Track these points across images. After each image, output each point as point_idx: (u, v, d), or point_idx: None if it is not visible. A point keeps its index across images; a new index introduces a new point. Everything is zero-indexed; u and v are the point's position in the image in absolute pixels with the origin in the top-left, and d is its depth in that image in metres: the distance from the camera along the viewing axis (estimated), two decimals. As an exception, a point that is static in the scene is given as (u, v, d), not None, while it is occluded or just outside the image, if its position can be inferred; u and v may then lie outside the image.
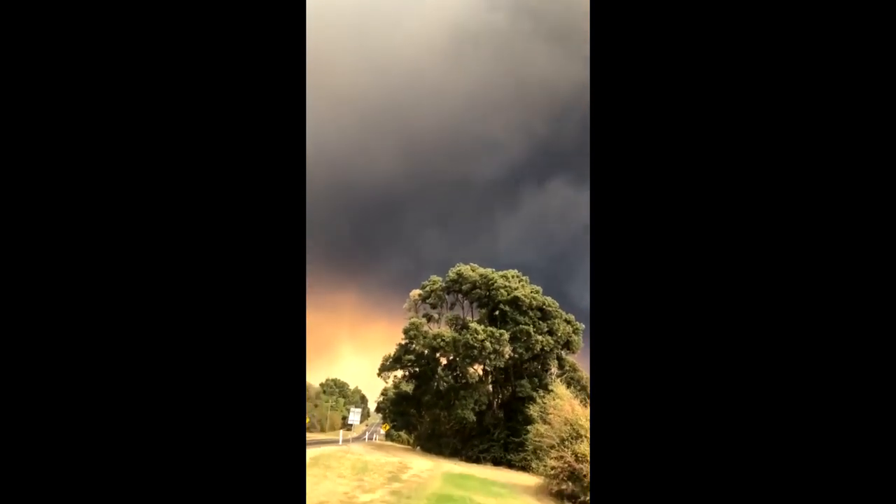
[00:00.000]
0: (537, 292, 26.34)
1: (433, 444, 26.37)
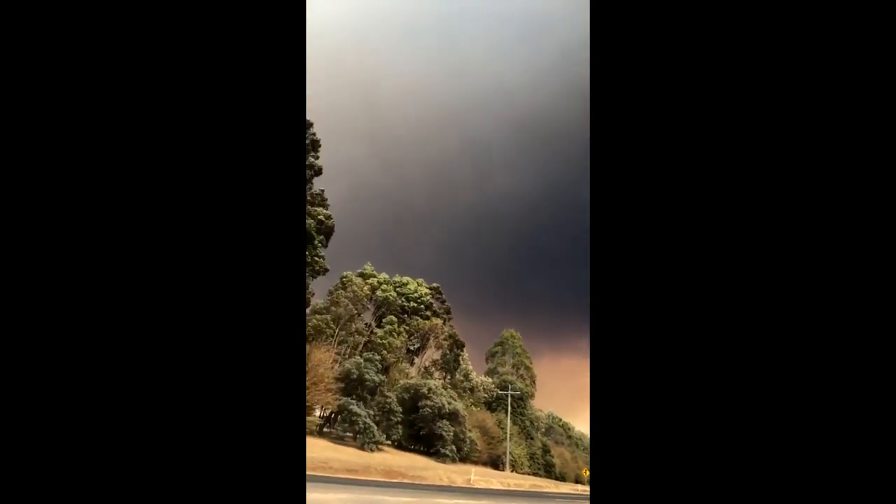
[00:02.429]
0: None
1: None
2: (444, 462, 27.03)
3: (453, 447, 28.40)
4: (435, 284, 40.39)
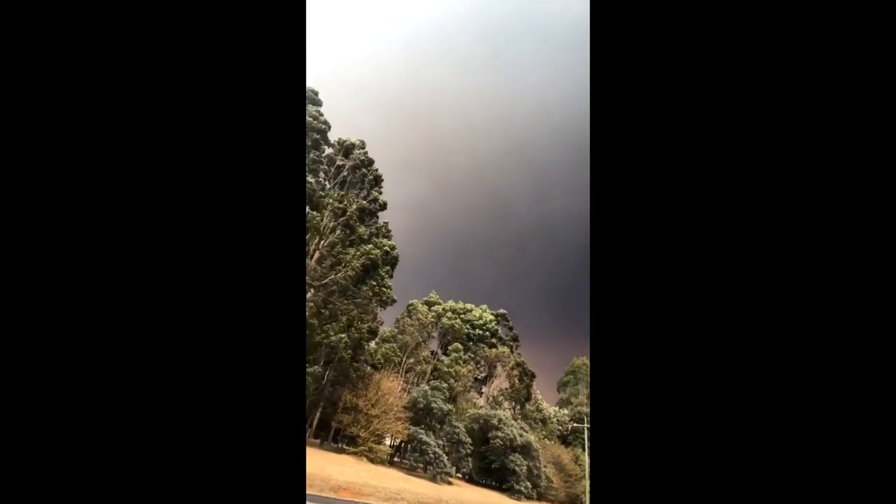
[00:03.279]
0: None
1: None
2: (518, 499, 25.59)
3: (528, 483, 26.86)
4: (501, 311, 39.74)
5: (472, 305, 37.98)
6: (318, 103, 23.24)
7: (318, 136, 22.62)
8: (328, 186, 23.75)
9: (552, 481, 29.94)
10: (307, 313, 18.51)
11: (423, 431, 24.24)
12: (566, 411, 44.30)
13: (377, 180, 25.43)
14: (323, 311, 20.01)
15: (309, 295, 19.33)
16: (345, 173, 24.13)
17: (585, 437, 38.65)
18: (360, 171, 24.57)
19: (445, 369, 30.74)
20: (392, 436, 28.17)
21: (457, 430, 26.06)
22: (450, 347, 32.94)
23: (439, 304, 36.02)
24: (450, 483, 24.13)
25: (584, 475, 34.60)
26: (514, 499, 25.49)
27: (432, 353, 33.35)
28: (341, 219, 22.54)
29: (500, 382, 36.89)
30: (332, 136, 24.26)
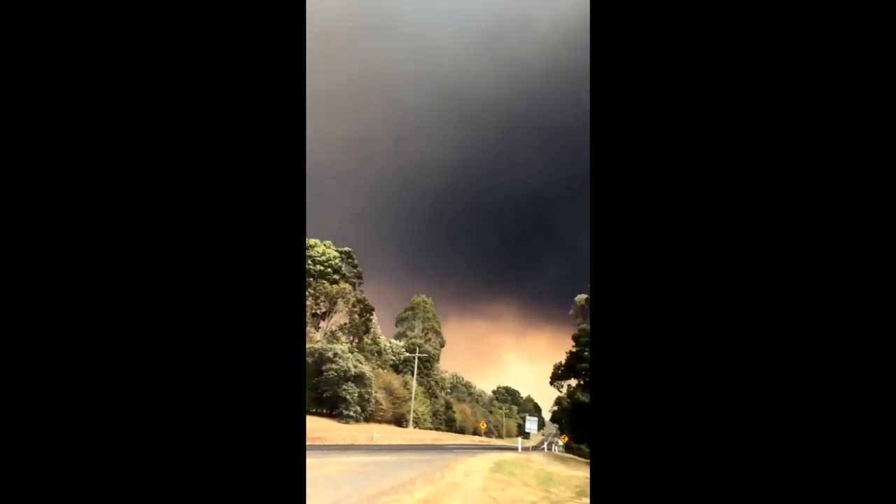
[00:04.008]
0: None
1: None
2: (347, 423, 27.26)
3: (357, 408, 28.72)
4: (346, 248, 39.20)
5: (317, 241, 36.45)
6: None
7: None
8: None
9: (381, 404, 32.66)
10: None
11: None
12: (402, 343, 47.99)
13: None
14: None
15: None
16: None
17: (415, 363, 42.88)
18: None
19: (281, 304, 29.27)
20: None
21: (289, 364, 25.55)
22: (288, 282, 31.36)
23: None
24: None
25: (411, 397, 38.77)
26: (342, 423, 27.03)
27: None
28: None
29: (341, 318, 37.32)
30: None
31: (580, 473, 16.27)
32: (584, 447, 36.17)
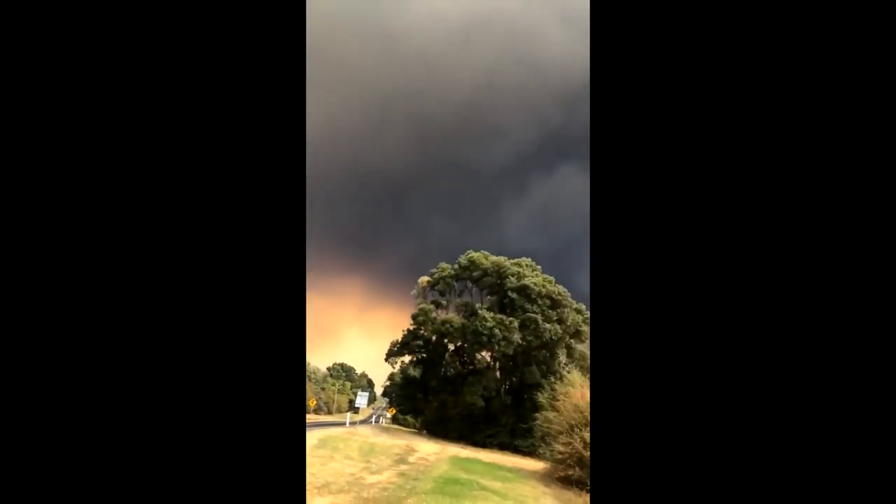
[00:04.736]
0: (549, 281, 26.04)
1: (440, 428, 26.47)
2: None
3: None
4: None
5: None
6: None
7: None
8: None
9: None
10: None
11: None
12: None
13: None
14: None
15: None
16: None
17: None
18: None
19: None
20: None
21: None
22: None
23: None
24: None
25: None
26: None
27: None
28: None
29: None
30: None
31: (401, 442, 17.52)
32: (409, 418, 38.91)
